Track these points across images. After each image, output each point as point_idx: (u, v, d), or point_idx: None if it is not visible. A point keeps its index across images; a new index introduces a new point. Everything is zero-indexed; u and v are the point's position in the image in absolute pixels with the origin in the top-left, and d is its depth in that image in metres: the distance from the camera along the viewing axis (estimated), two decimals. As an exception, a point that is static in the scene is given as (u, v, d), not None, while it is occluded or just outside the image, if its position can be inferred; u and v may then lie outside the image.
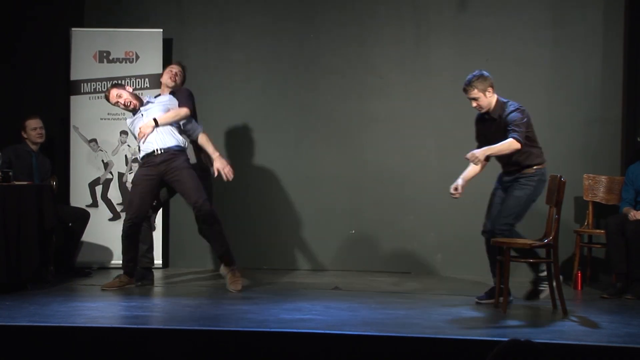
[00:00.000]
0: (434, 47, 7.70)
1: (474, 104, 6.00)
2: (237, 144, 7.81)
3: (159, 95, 6.86)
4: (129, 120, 6.67)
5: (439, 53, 7.67)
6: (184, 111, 6.59)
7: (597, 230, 7.11)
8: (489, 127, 6.04)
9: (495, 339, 4.59)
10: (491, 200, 6.11)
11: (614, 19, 7.49)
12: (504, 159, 5.99)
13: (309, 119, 7.73)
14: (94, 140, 7.57)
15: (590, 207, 7.24)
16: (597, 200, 7.27)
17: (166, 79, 6.85)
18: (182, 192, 6.46)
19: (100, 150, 7.57)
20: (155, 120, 6.47)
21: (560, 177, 5.72)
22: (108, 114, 7.55)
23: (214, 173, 6.59)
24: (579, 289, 6.87)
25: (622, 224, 6.60)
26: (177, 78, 6.87)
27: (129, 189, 6.90)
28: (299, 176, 7.73)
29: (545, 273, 5.86)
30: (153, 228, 7.50)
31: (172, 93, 6.78)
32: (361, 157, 7.70)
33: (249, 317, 5.49)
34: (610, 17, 7.49)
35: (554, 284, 5.73)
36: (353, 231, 7.68)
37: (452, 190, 6.02)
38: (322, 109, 7.74)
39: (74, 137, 7.55)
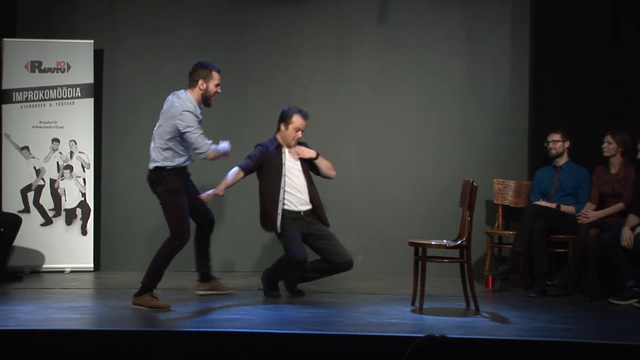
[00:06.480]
0: (355, 59, 7.72)
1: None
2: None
3: None
4: None
5: (360, 64, 7.69)
6: None
7: (507, 232, 7.21)
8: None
9: (412, 335, 4.59)
10: None
11: (520, 34, 7.59)
12: None
13: (236, 128, 7.63)
14: (26, 147, 7.36)
15: (500, 210, 7.34)
16: (507, 204, 7.37)
17: None
18: None
19: (32, 157, 7.37)
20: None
21: (473, 182, 5.78)
22: (40, 122, 7.36)
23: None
24: (490, 286, 6.95)
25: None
26: None
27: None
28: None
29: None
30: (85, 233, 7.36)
31: None
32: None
33: (180, 318, 5.41)
34: (517, 32, 7.59)
35: (467, 282, 5.79)
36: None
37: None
38: (248, 118, 7.67)
39: (5, 144, 7.33)
